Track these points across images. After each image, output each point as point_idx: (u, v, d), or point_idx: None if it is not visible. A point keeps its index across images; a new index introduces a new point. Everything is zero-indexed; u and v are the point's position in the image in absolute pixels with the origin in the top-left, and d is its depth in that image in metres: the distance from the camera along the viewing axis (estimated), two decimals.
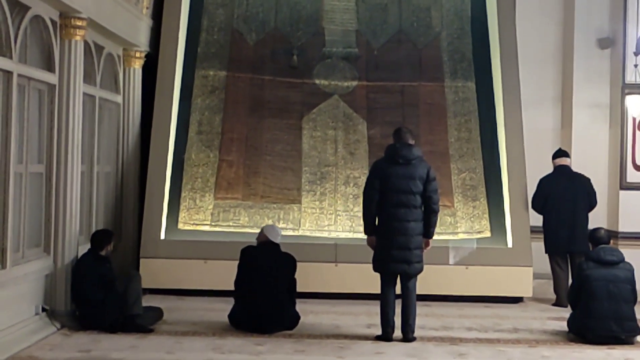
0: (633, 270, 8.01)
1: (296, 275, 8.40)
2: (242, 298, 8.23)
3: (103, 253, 8.25)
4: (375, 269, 7.94)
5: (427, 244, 7.94)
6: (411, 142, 7.95)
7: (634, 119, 11.40)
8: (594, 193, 10.19)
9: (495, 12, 11.20)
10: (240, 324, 8.19)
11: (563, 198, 10.05)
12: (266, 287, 8.10)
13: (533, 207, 10.27)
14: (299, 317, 8.33)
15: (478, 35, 11.33)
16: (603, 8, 11.84)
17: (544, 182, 10.27)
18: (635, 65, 11.17)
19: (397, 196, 7.75)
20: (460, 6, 11.45)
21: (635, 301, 8.02)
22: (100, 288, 8.01)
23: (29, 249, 7.79)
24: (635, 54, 11.24)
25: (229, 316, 8.31)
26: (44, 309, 7.89)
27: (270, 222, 10.06)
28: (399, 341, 7.84)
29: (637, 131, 11.45)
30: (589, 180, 10.24)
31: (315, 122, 10.87)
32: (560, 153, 10.49)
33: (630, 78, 11.35)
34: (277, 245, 8.41)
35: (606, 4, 11.83)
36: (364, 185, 8.17)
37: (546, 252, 10.19)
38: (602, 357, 7.54)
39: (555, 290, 10.11)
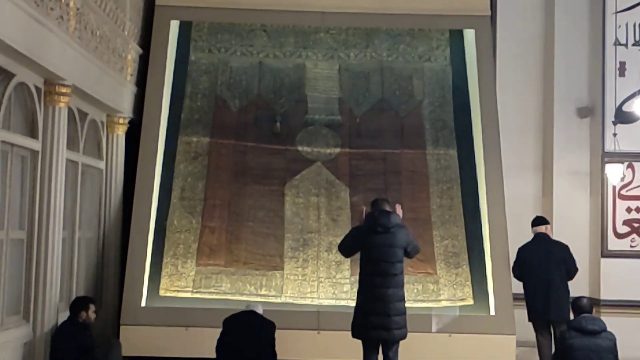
0: (615, 340, 7.96)
1: (278, 342, 8.28)
2: None
3: (80, 320, 8.14)
4: (354, 335, 7.89)
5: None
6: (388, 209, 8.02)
7: (614, 187, 11.49)
8: (573, 260, 10.09)
9: (476, 81, 11.34)
10: None
11: (539, 266, 9.98)
12: (247, 355, 8.00)
13: (513, 275, 10.25)
14: None
15: (459, 103, 11.47)
16: (582, 78, 12.04)
17: (521, 250, 10.23)
18: (614, 134, 11.31)
19: (376, 264, 7.76)
20: (441, 75, 11.61)
21: None
22: (80, 356, 7.89)
23: (8, 316, 7.69)
24: (614, 123, 11.41)
25: None
26: None
27: (252, 288, 10.03)
28: None
29: (617, 199, 11.54)
30: (567, 247, 10.16)
31: (298, 189, 10.89)
32: (539, 221, 10.47)
33: (609, 147, 11.46)
34: (258, 313, 8.34)
35: (585, 73, 12.02)
36: (342, 239, 8.31)
37: (529, 320, 10.15)
38: None
39: (540, 359, 10.06)
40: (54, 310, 8.19)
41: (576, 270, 10.16)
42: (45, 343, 8.03)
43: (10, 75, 7.51)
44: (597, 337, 7.88)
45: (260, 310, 8.45)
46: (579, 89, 12.01)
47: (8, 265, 7.65)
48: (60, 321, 8.23)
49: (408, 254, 7.95)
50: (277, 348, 8.26)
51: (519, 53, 12.31)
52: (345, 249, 8.13)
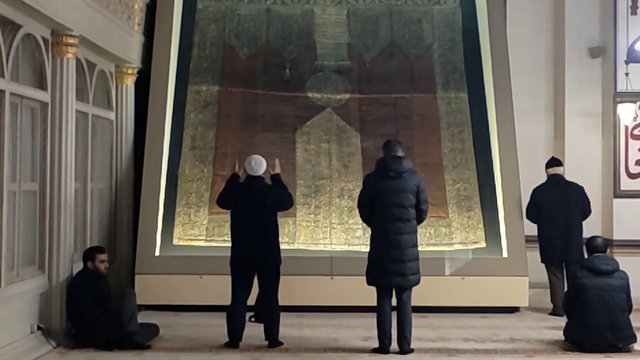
0: (627, 279, 8.01)
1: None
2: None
3: (90, 267, 8.20)
4: (369, 282, 7.91)
5: None
6: (401, 154, 7.95)
7: (627, 127, 11.43)
8: (588, 202, 10.20)
9: (486, 23, 11.23)
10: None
11: (556, 207, 10.07)
12: (255, 219, 8.07)
13: (527, 216, 10.27)
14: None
15: (469, 46, 11.37)
16: (593, 17, 11.89)
17: (537, 192, 10.28)
18: (627, 74, 11.22)
19: (389, 210, 7.74)
20: (451, 18, 11.50)
21: (630, 310, 8.02)
22: (96, 305, 7.97)
23: (24, 267, 7.77)
24: (626, 62, 11.30)
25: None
26: (39, 328, 7.86)
27: None
28: (396, 353, 7.82)
29: (629, 139, 11.48)
30: (582, 188, 10.25)
31: (308, 135, 10.88)
32: (553, 162, 10.51)
33: (621, 86, 11.37)
34: (261, 178, 8.34)
35: (596, 13, 11.87)
36: (358, 197, 8.20)
37: (542, 261, 10.19)
38: None
39: (552, 299, 10.11)
40: (68, 261, 8.27)
41: (590, 211, 10.24)
42: (61, 293, 8.12)
43: (17, 27, 7.48)
44: (610, 277, 7.91)
45: (263, 168, 8.38)
46: (591, 28, 11.87)
47: (22, 217, 7.71)
48: (75, 271, 8.31)
49: (420, 213, 7.85)
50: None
51: None
52: (364, 206, 7.93)
